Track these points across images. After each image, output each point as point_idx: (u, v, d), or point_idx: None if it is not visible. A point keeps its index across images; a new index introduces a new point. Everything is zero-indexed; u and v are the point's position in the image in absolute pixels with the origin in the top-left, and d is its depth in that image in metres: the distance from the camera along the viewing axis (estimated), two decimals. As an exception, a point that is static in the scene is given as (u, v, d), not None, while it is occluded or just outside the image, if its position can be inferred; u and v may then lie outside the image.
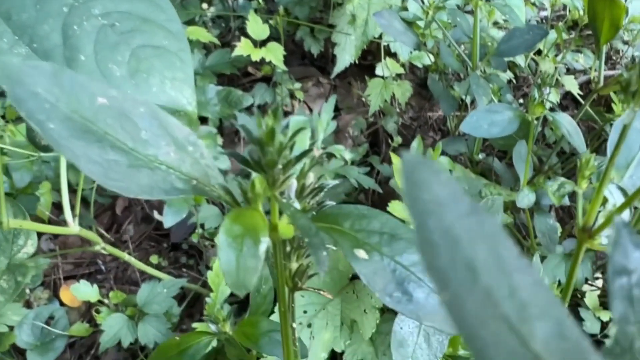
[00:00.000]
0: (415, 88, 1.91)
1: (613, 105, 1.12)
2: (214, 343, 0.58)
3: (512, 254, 0.17)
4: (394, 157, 0.99)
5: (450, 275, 0.16)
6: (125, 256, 1.11)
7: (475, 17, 1.04)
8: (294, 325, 0.42)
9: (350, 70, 1.92)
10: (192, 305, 1.50)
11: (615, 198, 0.46)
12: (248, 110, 1.80)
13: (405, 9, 1.56)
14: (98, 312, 1.29)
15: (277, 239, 0.34)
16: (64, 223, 0.99)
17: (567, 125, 0.95)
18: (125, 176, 0.29)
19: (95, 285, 1.30)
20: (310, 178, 0.35)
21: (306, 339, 0.89)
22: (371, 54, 1.98)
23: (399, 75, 1.76)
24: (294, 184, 0.34)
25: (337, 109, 1.99)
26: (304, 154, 0.28)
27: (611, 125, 1.23)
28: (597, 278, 1.18)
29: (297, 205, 0.34)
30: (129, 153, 0.29)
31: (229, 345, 0.59)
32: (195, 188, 0.31)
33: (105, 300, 1.31)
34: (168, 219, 1.19)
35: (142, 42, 0.64)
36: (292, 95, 1.90)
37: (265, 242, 0.30)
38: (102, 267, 1.69)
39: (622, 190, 0.46)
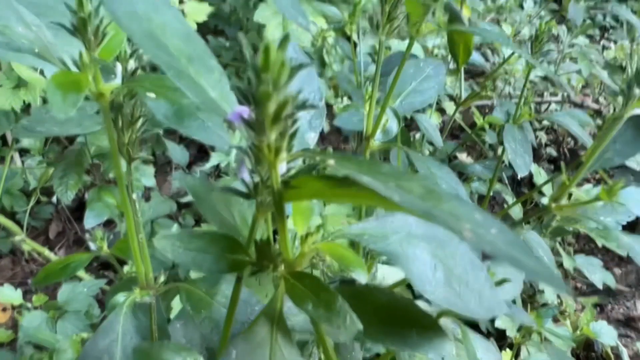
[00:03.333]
0: (333, 126, 2.10)
1: (474, 117, 1.33)
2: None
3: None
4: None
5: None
6: (45, 251, 1.20)
7: (353, 56, 1.23)
8: (134, 196, 0.54)
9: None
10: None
11: (389, 115, 0.63)
12: (181, 139, 1.95)
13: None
14: (20, 314, 1.36)
15: (105, 105, 0.47)
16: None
17: (425, 123, 1.12)
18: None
19: (19, 289, 1.38)
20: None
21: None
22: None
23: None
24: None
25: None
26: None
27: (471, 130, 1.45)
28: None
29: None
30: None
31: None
32: (38, 55, 0.44)
33: (29, 304, 1.38)
34: (89, 221, 1.29)
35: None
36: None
37: (85, 91, 0.44)
38: (32, 288, 1.75)
39: (394, 111, 0.64)
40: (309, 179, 0.29)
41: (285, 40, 0.25)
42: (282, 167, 0.31)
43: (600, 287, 1.29)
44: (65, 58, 0.47)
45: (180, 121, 0.44)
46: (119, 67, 0.49)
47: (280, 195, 0.30)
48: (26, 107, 1.54)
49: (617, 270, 1.53)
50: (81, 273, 1.35)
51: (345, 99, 1.82)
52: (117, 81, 0.49)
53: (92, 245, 0.70)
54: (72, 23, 0.43)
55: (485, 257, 0.47)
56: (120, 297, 0.54)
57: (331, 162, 0.25)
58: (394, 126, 0.66)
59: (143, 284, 0.58)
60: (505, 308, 0.40)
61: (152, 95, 0.45)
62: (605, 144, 0.55)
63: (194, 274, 0.95)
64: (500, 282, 0.49)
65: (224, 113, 0.28)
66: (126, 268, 1.23)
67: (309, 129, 0.40)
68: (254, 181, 0.33)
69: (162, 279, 0.58)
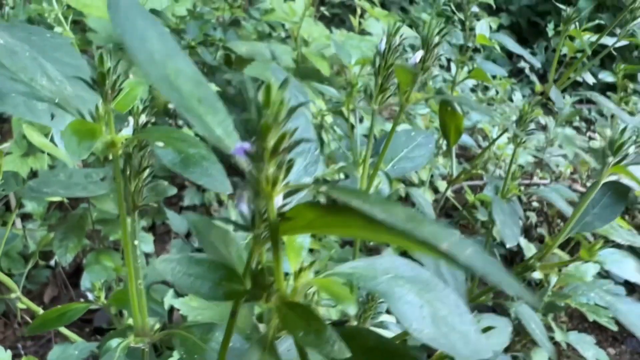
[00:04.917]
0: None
1: (466, 195, 1.37)
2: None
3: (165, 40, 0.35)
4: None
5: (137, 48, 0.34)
6: (40, 310, 1.20)
7: (350, 133, 1.29)
8: (136, 242, 0.57)
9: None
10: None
11: (381, 177, 0.68)
12: (181, 210, 2.00)
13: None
14: (8, 378, 1.34)
15: (115, 153, 0.51)
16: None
17: (420, 198, 1.16)
18: (4, 84, 0.46)
19: (8, 351, 1.36)
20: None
21: None
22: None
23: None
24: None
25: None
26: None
27: (464, 207, 1.49)
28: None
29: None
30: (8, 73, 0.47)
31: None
32: (58, 104, 0.48)
33: (18, 368, 1.37)
34: (86, 283, 1.30)
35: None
36: (220, 201, 2.11)
37: (98, 140, 0.47)
38: (22, 352, 1.73)
39: (386, 174, 0.70)
40: (302, 207, 0.32)
41: (285, 82, 0.29)
42: (278, 200, 0.34)
43: (594, 364, 1.28)
44: (83, 109, 0.51)
45: (185, 168, 0.48)
46: (131, 121, 0.53)
47: (276, 227, 0.33)
48: (33, 175, 1.59)
49: (612, 350, 1.52)
50: (73, 336, 1.34)
51: (342, 175, 1.87)
52: (129, 132, 0.53)
53: (89, 295, 0.72)
54: (92, 77, 0.47)
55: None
56: (113, 342, 0.56)
57: (323, 188, 0.28)
58: (386, 188, 0.72)
59: (139, 330, 0.59)
60: (491, 352, 0.41)
61: (160, 144, 0.49)
62: (584, 207, 0.58)
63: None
64: (485, 330, 0.50)
65: (228, 148, 0.31)
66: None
67: (304, 174, 0.43)
68: (251, 215, 0.36)
69: (157, 326, 0.60)
